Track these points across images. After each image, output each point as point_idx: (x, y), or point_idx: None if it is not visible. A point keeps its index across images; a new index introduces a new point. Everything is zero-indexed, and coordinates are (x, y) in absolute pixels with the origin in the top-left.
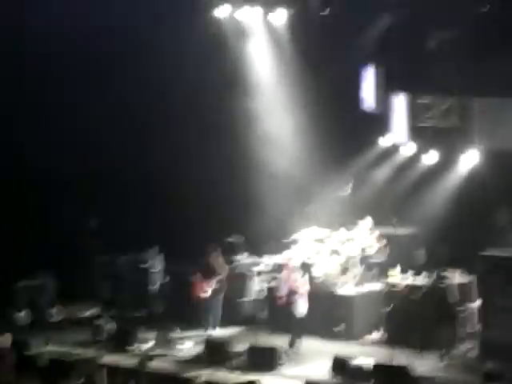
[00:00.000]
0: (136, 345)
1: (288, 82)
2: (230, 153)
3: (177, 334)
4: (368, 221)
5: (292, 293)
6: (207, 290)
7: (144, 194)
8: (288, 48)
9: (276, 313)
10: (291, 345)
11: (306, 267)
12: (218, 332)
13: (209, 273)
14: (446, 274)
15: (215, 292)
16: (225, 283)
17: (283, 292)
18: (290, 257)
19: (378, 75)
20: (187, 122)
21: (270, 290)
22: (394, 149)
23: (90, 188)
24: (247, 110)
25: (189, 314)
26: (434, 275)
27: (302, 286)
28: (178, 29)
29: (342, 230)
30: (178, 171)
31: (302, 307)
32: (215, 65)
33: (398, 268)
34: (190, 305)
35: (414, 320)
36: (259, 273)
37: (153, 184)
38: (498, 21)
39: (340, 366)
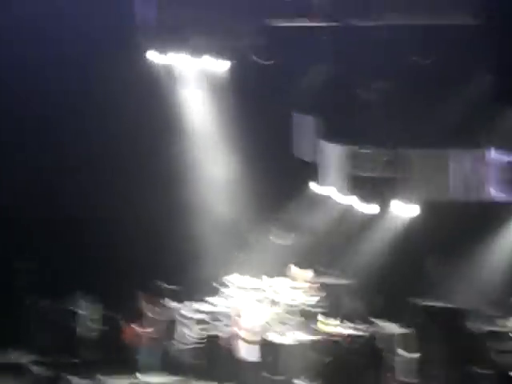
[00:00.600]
0: None
1: (224, 129)
2: (165, 199)
3: (103, 380)
4: (303, 270)
5: (240, 338)
6: (140, 336)
7: (74, 237)
8: (224, 96)
9: (218, 360)
10: None
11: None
12: (155, 379)
13: (142, 319)
14: (381, 324)
15: (149, 338)
16: (159, 330)
17: (230, 338)
18: (228, 305)
19: (312, 124)
20: (121, 166)
21: (209, 338)
22: (332, 198)
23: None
24: (182, 157)
25: (116, 359)
26: (370, 325)
27: (252, 331)
28: (112, 72)
29: (276, 278)
30: (111, 217)
31: (249, 353)
32: (151, 110)
33: (334, 318)
34: (122, 351)
35: (351, 370)
36: (197, 320)
37: (84, 228)
38: (434, 73)
39: None
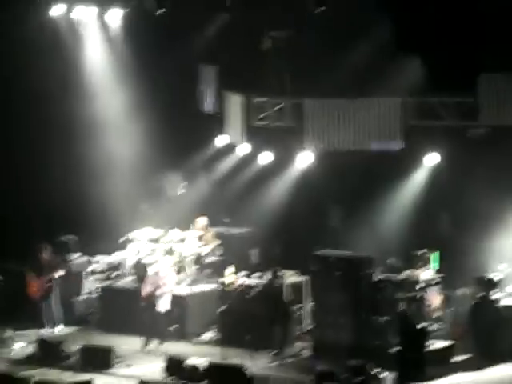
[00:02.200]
0: None
1: (124, 81)
2: (66, 153)
3: (9, 333)
4: (202, 220)
5: (159, 289)
6: (39, 288)
7: None
8: (123, 48)
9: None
10: (160, 341)
11: (140, 267)
12: (59, 330)
13: (41, 272)
14: (280, 273)
15: (47, 291)
16: (57, 282)
17: (146, 290)
18: (124, 256)
19: (212, 74)
20: (26, 121)
21: (104, 289)
22: (230, 149)
23: None
24: (83, 112)
25: (22, 313)
26: (269, 274)
27: (169, 282)
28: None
29: (176, 229)
30: (13, 167)
31: (166, 304)
32: (50, 66)
33: (232, 268)
34: (23, 304)
35: (248, 319)
36: (93, 272)
37: None
38: (332, 22)
39: (174, 365)
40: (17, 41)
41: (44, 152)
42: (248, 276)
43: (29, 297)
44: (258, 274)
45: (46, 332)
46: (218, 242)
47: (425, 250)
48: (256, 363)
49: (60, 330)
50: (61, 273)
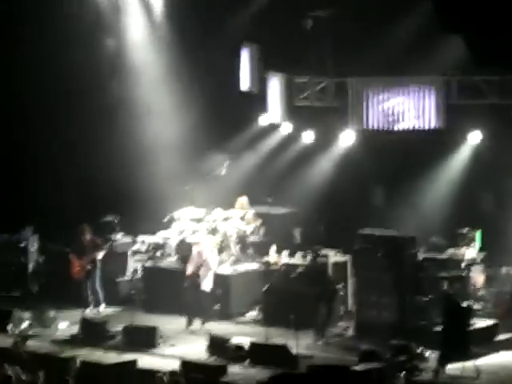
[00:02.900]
0: (11, 325)
1: (167, 63)
2: (111, 135)
3: (52, 313)
4: (243, 200)
5: (202, 269)
6: (82, 269)
7: (19, 173)
8: (166, 29)
9: (155, 292)
10: (203, 321)
11: (184, 246)
12: (102, 310)
13: (83, 252)
14: (321, 252)
15: (89, 271)
16: (99, 263)
17: (190, 270)
18: (168, 236)
19: (255, 54)
20: (71, 103)
21: (148, 269)
22: (272, 128)
23: None
24: (127, 94)
25: (65, 293)
26: (313, 253)
27: (213, 262)
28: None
29: (218, 209)
30: (55, 150)
31: (209, 283)
32: (95, 46)
33: (274, 247)
34: (66, 284)
35: (291, 299)
36: (136, 252)
37: (29, 163)
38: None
39: (217, 345)
40: (65, 18)
41: (90, 133)
42: (291, 255)
43: (72, 277)
44: (300, 253)
45: (90, 312)
46: (260, 221)
47: (468, 229)
48: (299, 342)
49: (103, 309)
50: (103, 253)
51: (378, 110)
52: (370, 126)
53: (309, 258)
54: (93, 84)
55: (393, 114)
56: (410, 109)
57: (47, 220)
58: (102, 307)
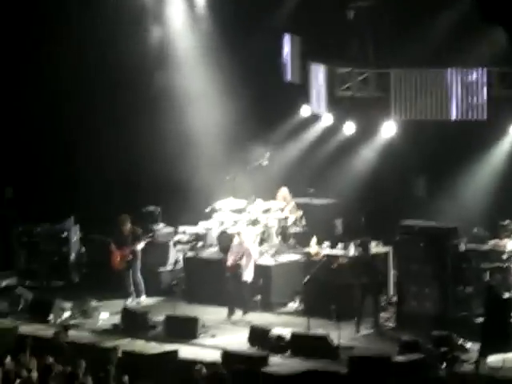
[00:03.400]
0: (53, 315)
1: (209, 53)
2: (153, 125)
3: (93, 304)
4: (284, 191)
5: (243, 260)
6: (122, 259)
7: (62, 164)
8: (208, 19)
9: (196, 283)
10: (244, 312)
11: (225, 237)
12: (143, 300)
13: (123, 243)
14: (370, 244)
15: (130, 262)
16: (139, 253)
17: (231, 261)
18: (209, 227)
19: (296, 44)
20: (115, 94)
21: (189, 259)
22: (314, 119)
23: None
24: (168, 84)
25: (107, 283)
26: (362, 245)
27: (254, 252)
28: None
29: (259, 200)
30: (96, 141)
31: (250, 274)
32: (140, 37)
33: (315, 238)
34: (108, 274)
35: (333, 290)
36: (178, 242)
37: (71, 153)
38: None
39: (258, 336)
40: (111, 7)
41: (131, 123)
42: (332, 246)
43: (112, 268)
44: (341, 244)
45: (130, 302)
46: (300, 212)
47: (510, 220)
48: (340, 333)
49: (143, 300)
50: (142, 244)
51: (420, 101)
52: (412, 117)
53: (356, 249)
54: (137, 75)
55: (435, 104)
56: (451, 100)
57: (89, 210)
58: (143, 298)
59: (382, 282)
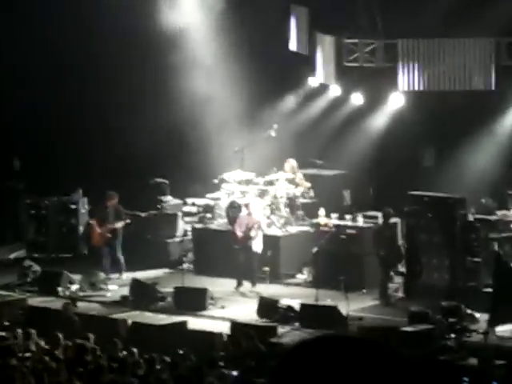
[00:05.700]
0: (62, 287)
1: (215, 23)
2: (159, 97)
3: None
4: (292, 162)
5: (252, 231)
6: (100, 236)
7: (69, 137)
8: None
9: (205, 254)
10: (253, 283)
11: (234, 209)
12: (125, 279)
13: (104, 219)
14: (392, 214)
15: (108, 240)
16: (119, 232)
17: (240, 232)
18: (217, 198)
19: (303, 15)
20: (118, 69)
21: (197, 231)
22: (321, 90)
23: (12, 129)
24: (176, 57)
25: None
26: (383, 215)
27: (263, 223)
28: None
29: (268, 171)
30: (104, 114)
31: (259, 245)
32: (147, 15)
33: (323, 210)
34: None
35: (342, 261)
36: (186, 214)
37: (79, 127)
38: None
39: (267, 307)
40: None
41: (138, 96)
42: (340, 217)
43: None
44: (350, 215)
45: (111, 280)
46: (308, 184)
47: None
48: (349, 304)
49: (124, 278)
50: (123, 224)
51: (428, 72)
52: (420, 88)
53: (379, 220)
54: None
55: (443, 75)
56: (459, 70)
57: (97, 183)
58: (124, 276)
59: (400, 254)
